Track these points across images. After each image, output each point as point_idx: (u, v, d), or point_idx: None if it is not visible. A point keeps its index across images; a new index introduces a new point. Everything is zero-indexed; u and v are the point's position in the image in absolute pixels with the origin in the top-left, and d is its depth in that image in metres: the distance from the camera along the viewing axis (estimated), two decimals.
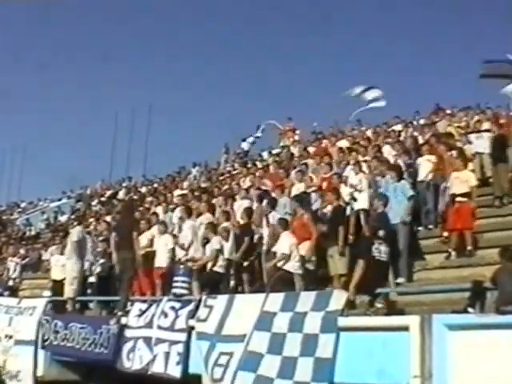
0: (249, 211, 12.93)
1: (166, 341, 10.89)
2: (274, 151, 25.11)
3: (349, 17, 63.88)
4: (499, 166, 12.68)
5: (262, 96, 59.95)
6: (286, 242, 10.90)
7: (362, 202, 12.17)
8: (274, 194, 13.74)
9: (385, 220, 10.31)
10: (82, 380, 13.33)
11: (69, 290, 13.97)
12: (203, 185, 22.08)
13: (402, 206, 11.23)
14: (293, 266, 10.73)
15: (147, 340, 11.21)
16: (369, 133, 20.73)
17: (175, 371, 10.59)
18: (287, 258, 10.72)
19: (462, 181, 11.45)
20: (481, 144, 13.78)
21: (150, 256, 13.75)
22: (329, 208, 11.98)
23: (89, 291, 14.67)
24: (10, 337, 14.25)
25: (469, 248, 10.88)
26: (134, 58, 66.25)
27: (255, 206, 13.56)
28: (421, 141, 15.12)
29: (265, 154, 25.95)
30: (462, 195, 11.26)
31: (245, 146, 30.10)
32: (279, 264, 10.76)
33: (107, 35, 63.40)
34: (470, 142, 14.00)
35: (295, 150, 22.01)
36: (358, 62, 57.70)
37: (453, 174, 11.67)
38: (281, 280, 10.56)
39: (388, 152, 14.84)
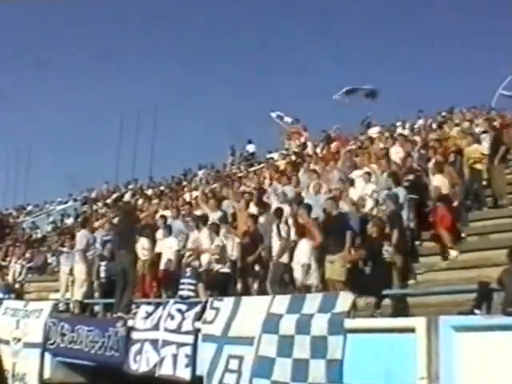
0: (255, 218, 12.90)
1: (173, 343, 10.91)
2: (279, 153, 25.13)
3: (350, 15, 63.73)
4: (497, 168, 12.75)
5: (268, 97, 59.82)
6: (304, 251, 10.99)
7: (369, 207, 12.27)
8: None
9: (396, 217, 10.42)
10: (88, 382, 13.39)
11: (78, 293, 14.07)
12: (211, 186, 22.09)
13: None
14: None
15: (154, 342, 11.24)
16: (375, 130, 20.78)
17: (184, 373, 10.62)
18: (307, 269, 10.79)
19: (437, 188, 11.80)
20: (485, 145, 13.81)
21: (154, 259, 13.85)
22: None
23: (96, 294, 14.75)
24: (19, 339, 14.33)
25: (449, 245, 11.12)
26: (139, 59, 66.18)
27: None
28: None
29: (274, 156, 25.91)
30: (440, 200, 11.56)
31: (250, 147, 30.16)
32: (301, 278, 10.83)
33: (111, 36, 63.36)
34: (479, 142, 13.98)
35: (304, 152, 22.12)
36: (361, 62, 57.62)
37: (431, 183, 12.07)
38: None
39: (395, 152, 14.93)
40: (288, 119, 27.72)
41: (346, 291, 9.16)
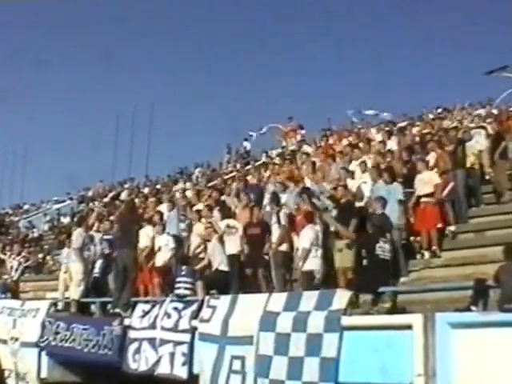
0: (259, 208, 12.78)
1: (170, 341, 10.91)
2: (276, 151, 25.13)
3: (350, 15, 63.92)
4: (498, 163, 12.70)
5: (264, 95, 59.99)
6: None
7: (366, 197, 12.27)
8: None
9: (385, 221, 10.40)
10: (84, 381, 13.35)
11: (75, 292, 14.03)
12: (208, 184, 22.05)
13: (393, 209, 11.24)
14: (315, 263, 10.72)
15: (152, 341, 11.23)
16: (373, 130, 20.75)
17: (181, 372, 10.62)
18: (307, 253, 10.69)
19: (425, 182, 11.75)
20: (478, 140, 13.76)
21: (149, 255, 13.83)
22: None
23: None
24: (16, 339, 14.29)
25: (433, 248, 11.13)
26: (135, 57, 66.15)
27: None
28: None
29: (271, 153, 25.88)
30: (427, 195, 11.58)
31: (247, 145, 30.14)
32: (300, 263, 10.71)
33: (109, 34, 63.30)
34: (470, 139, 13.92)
35: (302, 149, 22.12)
36: (361, 62, 57.83)
37: (416, 177, 11.96)
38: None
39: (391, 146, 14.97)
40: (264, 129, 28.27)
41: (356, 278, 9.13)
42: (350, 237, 10.66)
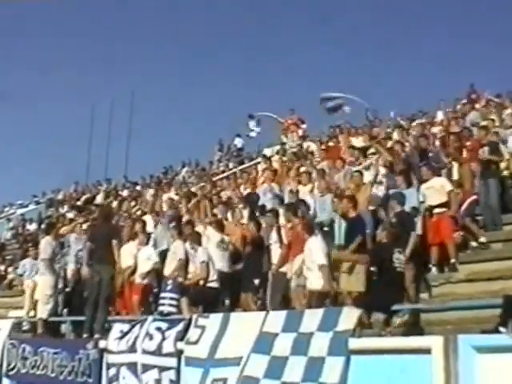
0: (258, 224, 12.85)
1: (154, 367, 10.83)
2: (273, 149, 25.12)
3: (350, 15, 64.85)
4: None
5: (259, 85, 60.23)
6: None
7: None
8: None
9: (405, 218, 10.43)
10: None
11: (42, 310, 13.95)
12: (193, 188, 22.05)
13: None
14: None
15: (132, 366, 11.16)
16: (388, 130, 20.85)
17: None
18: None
19: (436, 190, 11.78)
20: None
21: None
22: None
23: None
24: None
25: (452, 261, 11.18)
26: (116, 45, 66.38)
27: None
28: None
29: (267, 152, 25.86)
30: (440, 206, 11.61)
31: (238, 142, 30.04)
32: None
33: (91, 25, 63.53)
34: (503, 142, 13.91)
35: (304, 146, 22.22)
36: (361, 61, 58.50)
37: (423, 185, 12.04)
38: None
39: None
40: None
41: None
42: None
